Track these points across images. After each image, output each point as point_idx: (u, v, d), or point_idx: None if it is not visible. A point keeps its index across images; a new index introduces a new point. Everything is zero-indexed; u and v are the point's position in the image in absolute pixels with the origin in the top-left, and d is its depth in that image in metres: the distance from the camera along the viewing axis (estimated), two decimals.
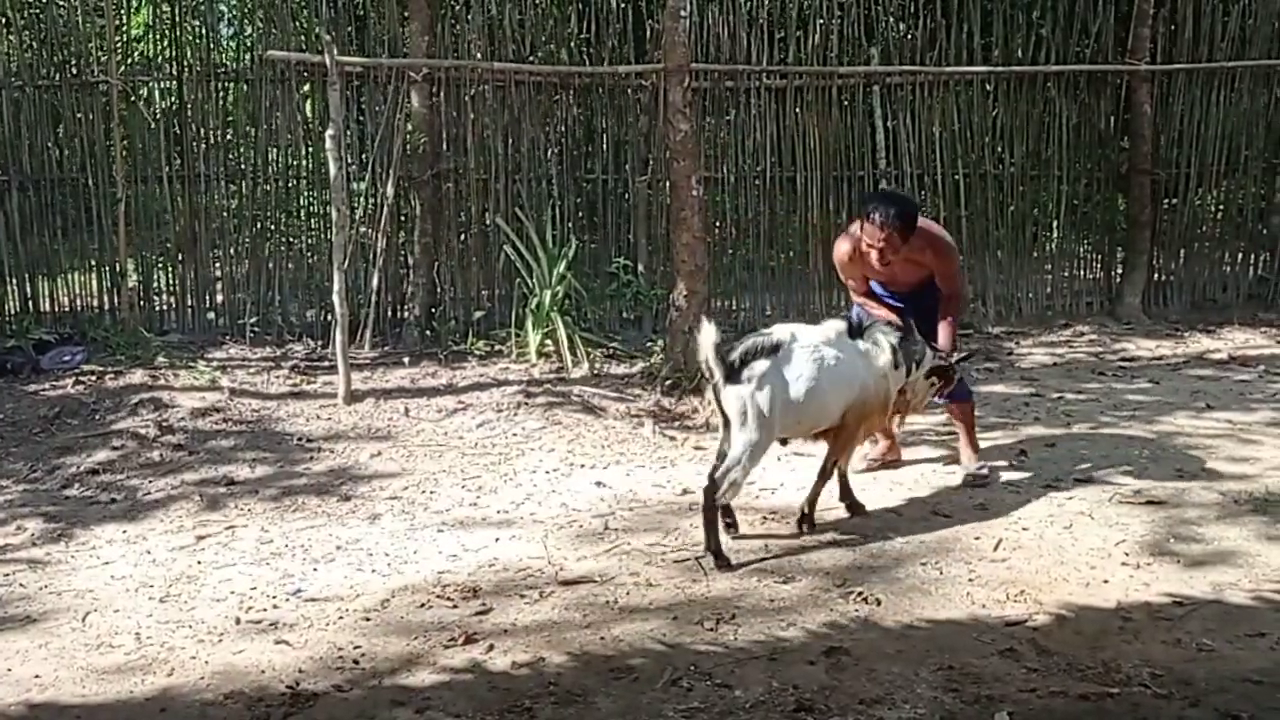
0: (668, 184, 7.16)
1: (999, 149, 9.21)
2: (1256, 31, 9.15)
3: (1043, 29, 9.08)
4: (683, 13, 6.50)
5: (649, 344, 7.61)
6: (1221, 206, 9.74)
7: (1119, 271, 9.49)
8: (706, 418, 6.13)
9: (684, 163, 6.50)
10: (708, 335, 4.07)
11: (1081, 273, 9.62)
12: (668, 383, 6.50)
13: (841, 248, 4.92)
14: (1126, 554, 4.07)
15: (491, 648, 3.37)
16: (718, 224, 8.80)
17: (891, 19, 8.95)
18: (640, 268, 8.28)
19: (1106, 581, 3.82)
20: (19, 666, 3.30)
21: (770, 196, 8.78)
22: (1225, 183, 9.58)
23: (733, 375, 4.08)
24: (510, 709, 3.01)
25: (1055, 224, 9.47)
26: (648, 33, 8.47)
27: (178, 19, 8.19)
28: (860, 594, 3.72)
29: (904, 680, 3.11)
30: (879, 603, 3.66)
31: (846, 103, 8.93)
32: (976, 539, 4.25)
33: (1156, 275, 9.44)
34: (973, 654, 3.27)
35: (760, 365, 4.11)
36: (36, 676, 3.23)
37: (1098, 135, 9.35)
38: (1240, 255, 9.63)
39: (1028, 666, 3.19)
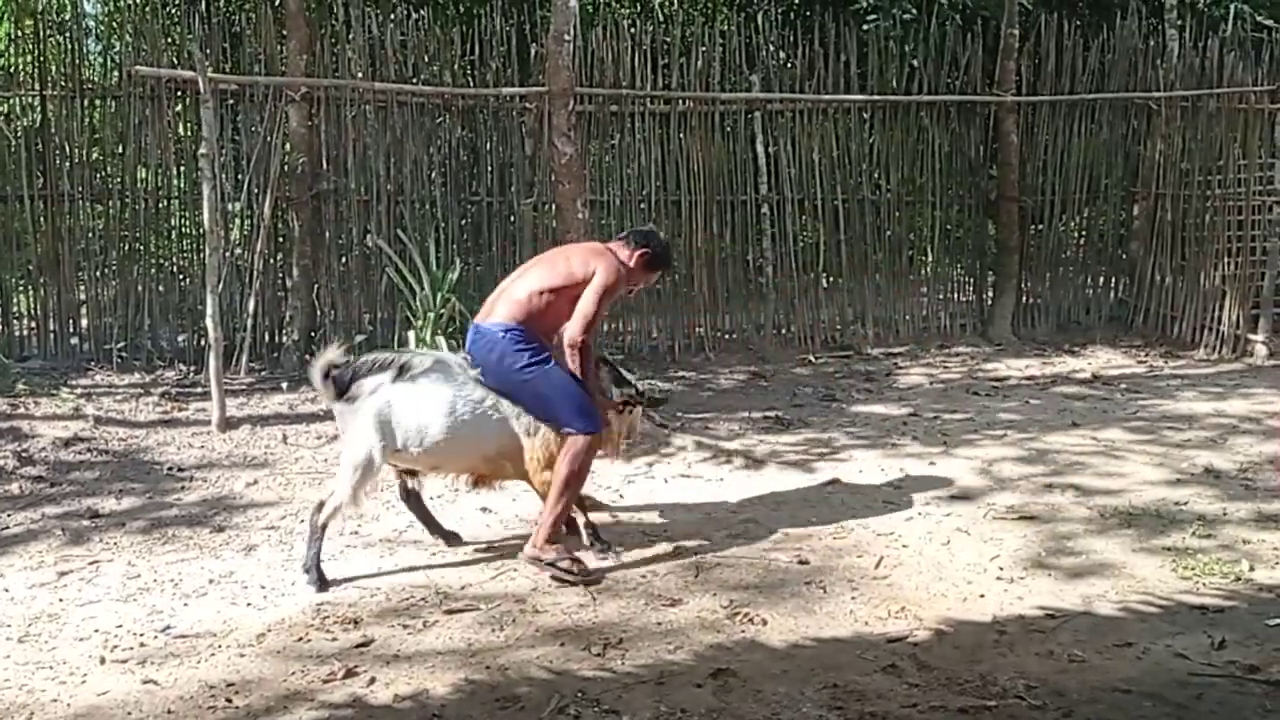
0: (554, 206, 7.15)
1: (876, 175, 9.50)
2: (1115, 66, 9.66)
3: (915, 60, 9.42)
4: (566, 37, 6.52)
5: None
6: (1084, 232, 10.21)
7: (990, 294, 9.85)
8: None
9: (569, 185, 6.51)
10: (324, 357, 4.08)
11: (955, 295, 9.96)
12: None
13: (615, 274, 4.26)
14: (1001, 569, 4.19)
15: (373, 680, 3.28)
16: None
17: (772, 47, 9.16)
18: None
19: (983, 596, 3.93)
20: None
21: (654, 220, 8.85)
22: (1087, 210, 10.06)
23: (343, 394, 4.08)
24: None
25: (930, 248, 9.79)
26: (532, 55, 8.48)
27: (42, 33, 7.85)
28: (747, 615, 3.74)
29: (790, 700, 3.13)
30: (765, 623, 3.69)
31: (729, 128, 9.10)
32: (859, 558, 4.33)
33: (1025, 298, 9.83)
34: (856, 671, 3.31)
35: (368, 384, 4.07)
36: None
37: (968, 163, 9.72)
38: (1102, 279, 10.11)
39: (909, 682, 3.24)
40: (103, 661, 3.45)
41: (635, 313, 8.90)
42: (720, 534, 4.64)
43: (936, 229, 9.69)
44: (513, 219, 8.48)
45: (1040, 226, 9.96)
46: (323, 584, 4.03)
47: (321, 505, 4.10)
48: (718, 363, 8.60)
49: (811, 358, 8.82)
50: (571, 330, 4.17)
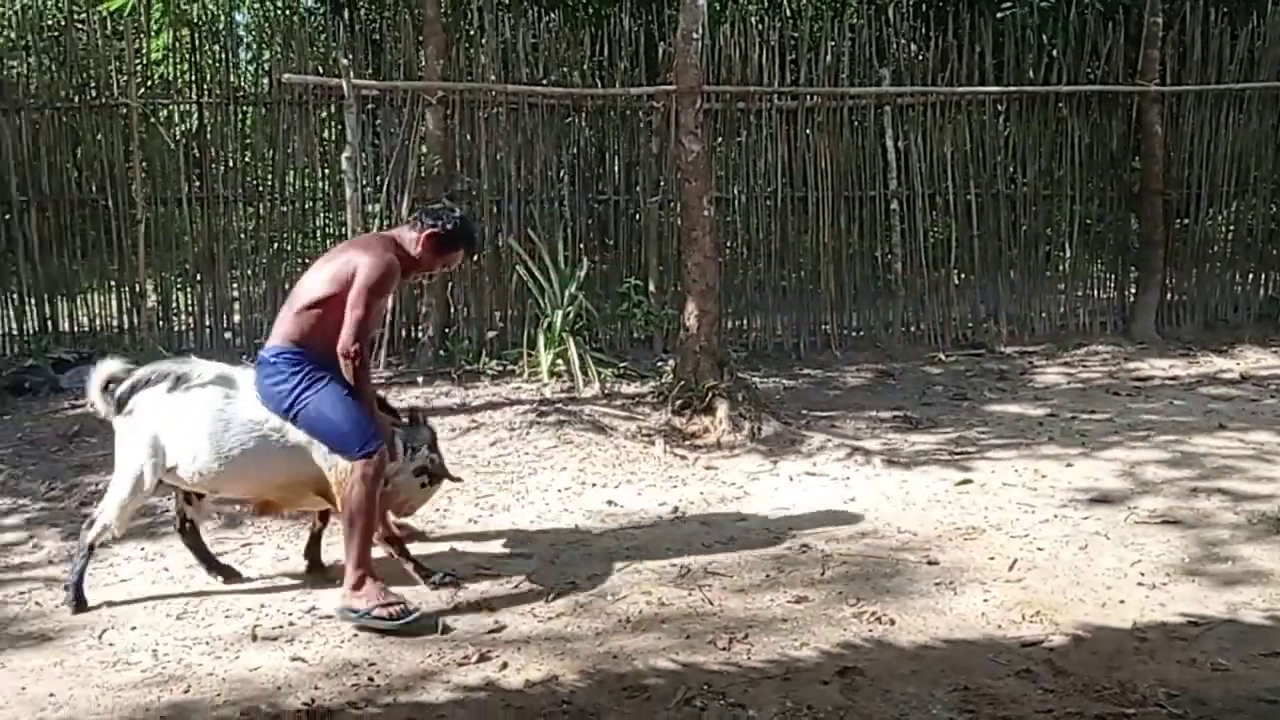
0: (679, 205, 7.20)
1: (1011, 169, 9.25)
2: (1265, 54, 9.18)
3: (1054, 50, 9.13)
4: (694, 35, 6.55)
5: (659, 364, 7.64)
6: (1232, 227, 9.74)
7: (1132, 291, 9.49)
8: (718, 437, 6.15)
9: (695, 183, 6.54)
10: (102, 368, 3.90)
11: (1095, 292, 9.62)
12: (678, 402, 6.51)
13: (382, 268, 3.84)
14: (1143, 574, 4.06)
15: (505, 665, 3.38)
16: (729, 244, 8.84)
17: (903, 40, 9.01)
18: (651, 288, 8.32)
19: (1123, 602, 3.81)
20: (34, 685, 3.32)
21: (781, 216, 8.82)
22: (1235, 203, 9.59)
23: (122, 408, 3.87)
24: None
25: (1068, 244, 9.48)
26: (660, 55, 8.54)
27: (198, 43, 8.29)
28: (874, 614, 3.71)
29: (919, 701, 3.10)
30: (893, 622, 3.65)
31: (858, 123, 8.98)
32: (992, 560, 4.24)
33: (1169, 295, 9.43)
34: (988, 675, 3.26)
35: (143, 397, 3.85)
36: (51, 695, 3.25)
37: (1110, 155, 9.38)
38: (1251, 275, 9.63)
39: (1044, 687, 3.17)
40: (254, 638, 3.64)
41: (760, 310, 8.88)
42: (847, 532, 4.61)
43: (1075, 223, 9.37)
44: (639, 217, 8.57)
45: (1186, 221, 9.54)
46: (79, 605, 3.86)
47: (92, 522, 3.93)
48: (844, 360, 8.51)
49: (941, 356, 8.65)
50: (342, 338, 3.74)
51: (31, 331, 7.82)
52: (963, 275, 9.31)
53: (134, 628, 3.75)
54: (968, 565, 4.19)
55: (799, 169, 8.80)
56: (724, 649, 3.47)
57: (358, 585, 3.68)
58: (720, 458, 5.91)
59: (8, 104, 7.70)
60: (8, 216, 7.74)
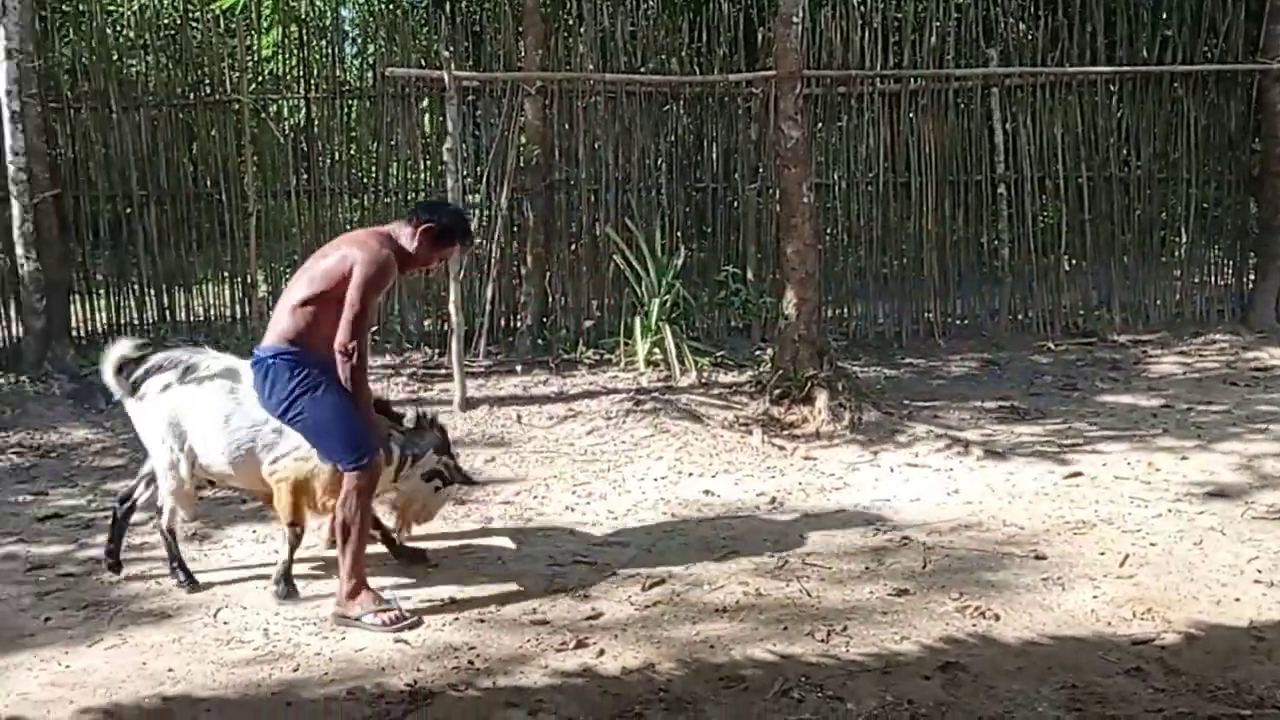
0: (778, 191, 7.13)
1: (1124, 151, 8.91)
2: None
3: (1169, 28, 8.76)
4: (794, 19, 6.47)
5: (757, 352, 7.58)
6: None
7: (1251, 278, 9.07)
8: (817, 427, 6.08)
9: (795, 170, 6.46)
10: (115, 350, 3.92)
11: (1212, 279, 9.21)
12: (776, 392, 6.46)
13: (378, 263, 3.74)
14: (1260, 571, 3.89)
15: (602, 652, 3.40)
16: (829, 231, 8.72)
17: (1011, 19, 8.75)
18: (749, 276, 8.25)
19: (1238, 600, 3.66)
20: (154, 660, 3.46)
21: (883, 202, 8.66)
22: None
23: (135, 391, 3.92)
24: (621, 714, 3.02)
25: (1184, 229, 9.10)
26: (759, 40, 8.46)
27: (305, 39, 8.51)
28: (978, 609, 3.63)
29: (1024, 699, 3.02)
30: (997, 618, 3.57)
31: (963, 105, 8.76)
32: (1101, 555, 4.11)
33: None
34: (1097, 673, 3.16)
35: (155, 383, 3.90)
36: (170, 670, 3.38)
37: (1228, 137, 8.97)
38: None
39: (1155, 686, 3.07)
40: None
41: (861, 298, 8.75)
42: (949, 524, 4.52)
43: (1192, 208, 8.98)
44: (737, 205, 8.51)
45: None
46: (192, 585, 4.00)
47: (160, 510, 4.07)
48: (948, 349, 8.33)
49: (1050, 344, 8.39)
50: (340, 335, 3.67)
51: (151, 321, 8.13)
52: (1073, 261, 9.02)
53: (246, 607, 3.88)
54: (1076, 560, 4.06)
55: (901, 153, 8.62)
56: (822, 641, 3.44)
57: (352, 594, 3.70)
58: (819, 448, 5.84)
59: (128, 102, 8.00)
60: (128, 210, 8.05)
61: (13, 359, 7.33)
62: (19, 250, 7.06)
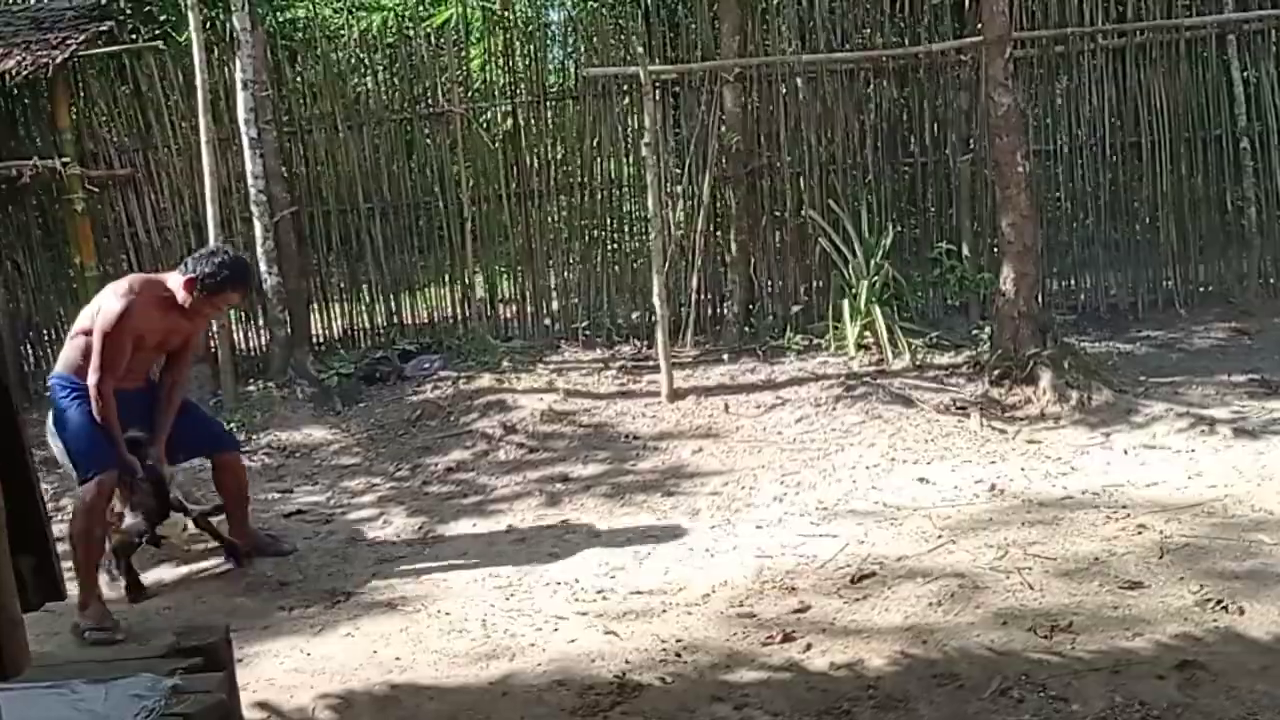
0: (991, 162, 6.79)
1: None
2: None
3: None
4: None
5: (975, 332, 7.24)
6: None
7: None
8: (1041, 408, 5.77)
9: (1007, 138, 6.14)
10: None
11: None
12: (996, 372, 6.15)
13: (115, 307, 4.07)
14: None
15: (809, 647, 3.34)
16: (1054, 198, 8.23)
17: None
18: (965, 251, 7.90)
19: None
20: (383, 649, 3.66)
21: (1111, 165, 8.08)
22: None
23: None
24: (829, 710, 2.96)
25: None
26: (965, 4, 8.07)
27: (513, 46, 8.78)
28: (1221, 603, 3.34)
29: (1271, 700, 2.75)
30: (1242, 612, 3.27)
31: (1197, 56, 8.05)
32: None
33: None
34: None
35: None
36: (397, 658, 3.57)
37: None
38: None
39: None
40: (572, 613, 3.82)
41: (1089, 268, 8.21)
42: (1190, 510, 4.18)
43: None
44: (949, 178, 8.16)
45: None
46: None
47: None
48: (1190, 319, 7.68)
49: None
50: (90, 375, 4.03)
51: (381, 326, 8.62)
52: None
53: (467, 600, 4.05)
54: None
55: (1130, 112, 8.02)
56: (1045, 637, 3.25)
57: (83, 605, 3.91)
58: (1043, 430, 5.54)
59: (353, 120, 8.49)
60: (357, 222, 8.56)
61: (261, 367, 7.95)
62: (262, 266, 7.63)
